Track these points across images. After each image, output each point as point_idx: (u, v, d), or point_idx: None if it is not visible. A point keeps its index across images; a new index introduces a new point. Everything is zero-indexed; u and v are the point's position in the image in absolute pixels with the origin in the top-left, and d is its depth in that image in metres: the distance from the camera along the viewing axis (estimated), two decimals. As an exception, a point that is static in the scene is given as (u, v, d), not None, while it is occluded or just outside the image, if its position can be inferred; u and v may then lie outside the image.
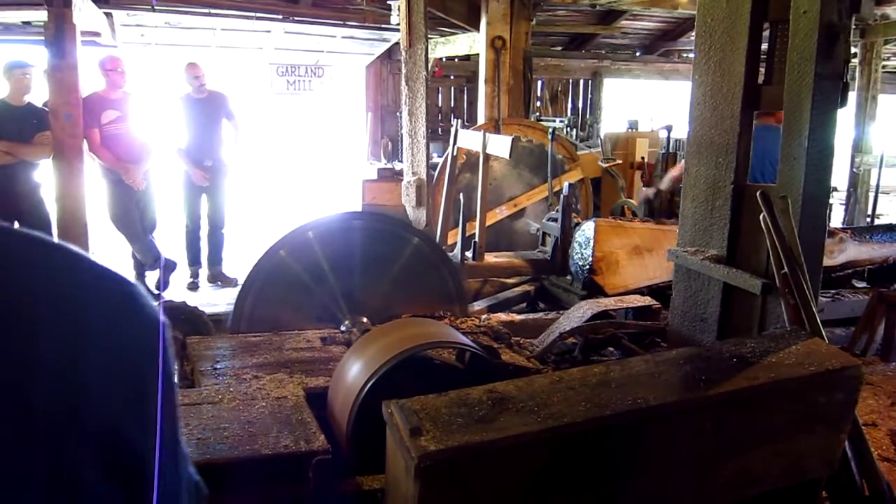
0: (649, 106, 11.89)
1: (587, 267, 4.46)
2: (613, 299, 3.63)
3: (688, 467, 2.08)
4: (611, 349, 3.40)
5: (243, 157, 6.92)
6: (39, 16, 6.33)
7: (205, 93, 6.14)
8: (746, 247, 2.88)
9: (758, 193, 2.61)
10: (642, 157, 6.77)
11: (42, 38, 5.73)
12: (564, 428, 1.91)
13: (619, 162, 7.06)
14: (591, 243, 4.45)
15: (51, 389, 0.51)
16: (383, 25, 7.51)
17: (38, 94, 5.55)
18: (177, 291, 5.90)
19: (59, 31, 5.28)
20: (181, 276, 6.28)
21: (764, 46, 2.91)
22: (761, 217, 2.59)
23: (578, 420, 1.94)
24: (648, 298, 3.61)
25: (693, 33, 8.91)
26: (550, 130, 5.90)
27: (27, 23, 7.33)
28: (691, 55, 11.06)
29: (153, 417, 0.59)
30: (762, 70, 2.93)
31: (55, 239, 0.58)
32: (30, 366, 0.51)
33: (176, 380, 0.62)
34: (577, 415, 1.95)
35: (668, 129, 5.58)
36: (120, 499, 0.55)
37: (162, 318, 0.61)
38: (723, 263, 2.91)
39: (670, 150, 5.55)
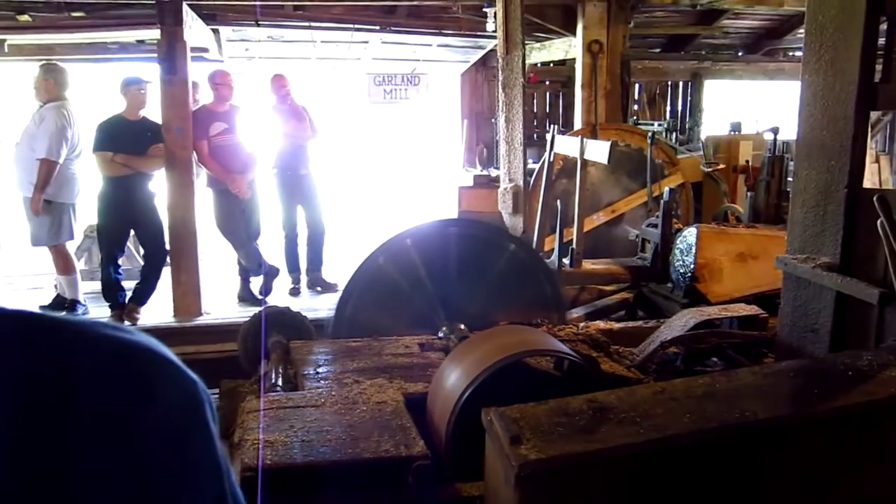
0: (752, 107, 11.47)
1: (689, 274, 4.34)
2: (717, 308, 3.52)
3: (798, 486, 1.99)
4: (714, 360, 3.29)
5: (336, 167, 7.08)
6: (152, 34, 6.68)
7: (291, 104, 6.32)
8: (862, 254, 2.73)
9: (875, 198, 2.47)
10: (746, 161, 6.54)
11: (155, 55, 6.06)
12: (668, 440, 1.86)
13: (722, 166, 6.84)
14: (694, 250, 4.33)
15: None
16: (478, 33, 7.53)
17: (152, 109, 5.86)
18: (279, 297, 6.09)
19: (170, 49, 5.56)
20: (283, 282, 6.48)
21: (880, 42, 2.76)
22: (879, 223, 2.45)
23: (682, 433, 1.88)
24: (754, 307, 3.48)
25: (800, 30, 8.54)
26: (650, 135, 5.78)
27: (141, 41, 7.73)
28: (798, 53, 10.62)
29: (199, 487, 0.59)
30: (878, 68, 2.78)
31: (74, 319, 0.58)
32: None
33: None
34: (681, 427, 1.90)
35: (775, 131, 5.37)
36: None
37: (199, 388, 0.60)
38: (835, 272, 2.78)
39: (776, 154, 5.34)
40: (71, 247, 6.10)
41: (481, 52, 8.81)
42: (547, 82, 9.80)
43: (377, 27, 7.51)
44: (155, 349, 0.58)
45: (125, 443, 0.53)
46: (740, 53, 11.16)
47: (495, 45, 8.35)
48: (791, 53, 11.22)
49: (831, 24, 2.83)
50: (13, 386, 0.50)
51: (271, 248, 6.58)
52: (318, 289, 6.48)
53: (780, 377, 2.14)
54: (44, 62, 6.12)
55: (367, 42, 8.12)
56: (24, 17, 6.65)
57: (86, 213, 6.12)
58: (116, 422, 0.53)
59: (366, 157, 13.38)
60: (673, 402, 2.01)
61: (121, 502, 0.51)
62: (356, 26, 7.36)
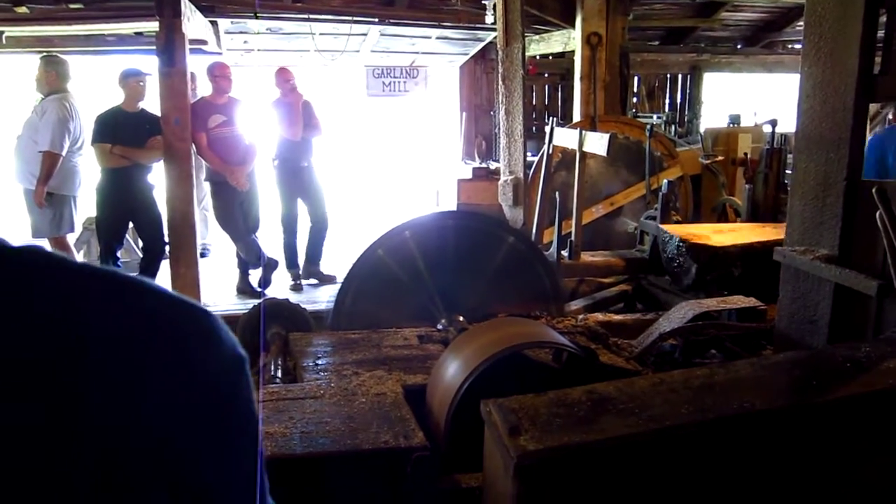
0: (751, 100, 11.45)
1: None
2: (716, 300, 3.52)
3: (797, 477, 2.00)
4: (713, 352, 3.30)
5: (335, 159, 7.08)
6: (150, 26, 6.65)
7: (296, 97, 6.31)
8: (860, 246, 2.74)
9: (874, 189, 2.48)
10: (745, 153, 6.52)
11: (153, 47, 6.04)
12: (666, 431, 1.87)
13: (721, 158, 6.84)
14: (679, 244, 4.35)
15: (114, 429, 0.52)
16: (478, 25, 7.51)
17: (151, 101, 5.85)
18: (279, 291, 6.09)
19: (169, 41, 5.54)
20: (283, 275, 6.48)
21: (880, 34, 2.76)
22: (877, 214, 2.46)
23: (681, 423, 1.89)
24: (753, 299, 3.48)
25: (799, 23, 8.52)
26: (648, 127, 5.77)
27: (139, 33, 7.70)
28: (797, 46, 10.60)
29: (234, 454, 0.59)
30: (878, 60, 2.78)
31: (130, 275, 0.58)
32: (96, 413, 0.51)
33: (259, 410, 0.62)
34: (680, 418, 1.90)
35: (773, 123, 5.36)
36: None
37: (242, 353, 0.60)
38: (834, 263, 2.78)
39: (775, 146, 5.33)
40: (70, 239, 6.10)
41: (480, 45, 8.79)
42: (546, 74, 9.79)
43: (376, 19, 7.50)
44: (205, 311, 0.58)
45: (159, 401, 0.53)
46: (739, 46, 11.14)
47: (494, 38, 8.34)
48: (790, 46, 11.20)
49: (831, 16, 2.83)
50: (56, 330, 0.49)
51: (270, 241, 6.58)
52: (315, 281, 6.48)
53: (779, 368, 2.15)
54: (45, 54, 6.11)
55: (365, 34, 8.10)
56: (22, 9, 6.63)
57: (85, 206, 6.12)
58: (156, 377, 0.53)
59: (365, 150, 13.37)
60: (671, 393, 2.01)
61: (147, 456, 0.51)
62: (355, 18, 7.34)
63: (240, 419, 0.59)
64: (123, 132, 5.59)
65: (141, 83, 5.72)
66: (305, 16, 7.24)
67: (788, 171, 5.12)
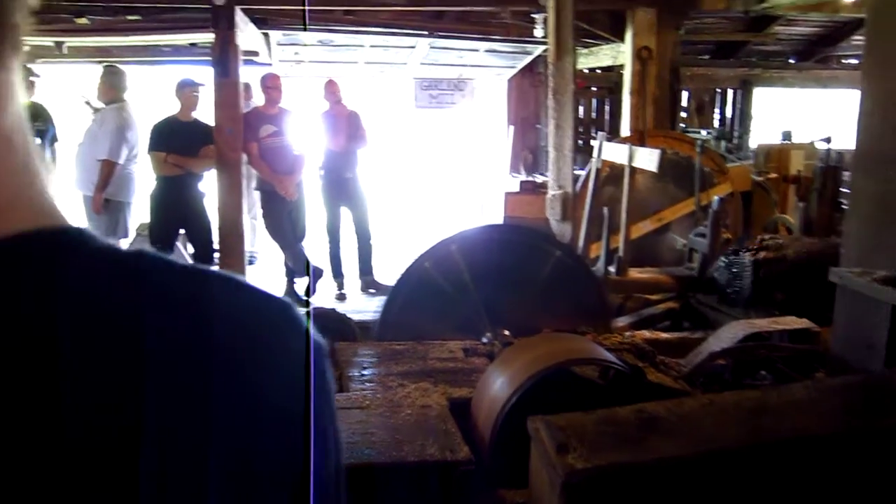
0: (803, 116, 11.24)
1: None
2: (768, 320, 3.45)
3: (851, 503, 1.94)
4: (763, 373, 3.23)
5: (380, 171, 7.12)
6: (205, 37, 6.80)
7: (343, 109, 6.38)
8: (921, 268, 2.66)
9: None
10: (799, 171, 6.40)
11: (207, 58, 6.17)
12: (717, 453, 1.84)
13: (774, 175, 6.71)
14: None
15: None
16: (526, 38, 7.51)
17: (204, 111, 5.97)
18: (325, 299, 6.14)
19: (223, 52, 5.67)
20: (329, 286, 6.53)
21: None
22: (940, 236, 2.39)
23: (733, 446, 1.86)
24: (806, 321, 3.40)
25: (855, 37, 8.28)
26: (699, 143, 5.70)
27: (193, 44, 7.88)
28: (852, 61, 10.36)
29: (332, 442, 0.60)
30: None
31: (225, 273, 0.59)
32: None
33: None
34: (732, 440, 1.87)
35: (828, 140, 5.25)
36: None
37: (322, 340, 0.61)
38: (893, 286, 2.71)
39: (830, 164, 5.22)
40: (123, 244, 6.24)
41: (528, 58, 8.78)
42: (593, 88, 9.73)
43: (425, 32, 7.54)
44: (290, 305, 0.59)
45: (244, 396, 0.53)
46: (792, 60, 10.94)
47: (543, 51, 8.36)
48: (845, 61, 10.97)
49: (893, 30, 2.76)
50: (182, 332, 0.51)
51: (316, 250, 6.64)
52: (372, 291, 6.52)
53: (835, 392, 2.10)
54: (106, 65, 6.28)
55: (414, 47, 8.16)
56: (83, 20, 6.82)
57: (139, 212, 6.27)
58: (269, 371, 0.54)
59: (412, 162, 13.44)
60: (723, 414, 1.98)
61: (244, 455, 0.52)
62: (405, 31, 7.40)
63: (332, 404, 0.61)
64: (177, 141, 5.72)
65: (195, 93, 5.84)
66: (356, 28, 7.32)
67: (844, 190, 5.02)
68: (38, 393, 0.45)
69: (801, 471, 1.90)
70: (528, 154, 9.44)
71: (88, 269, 0.50)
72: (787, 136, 7.95)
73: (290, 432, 0.55)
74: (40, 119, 6.27)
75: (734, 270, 4.44)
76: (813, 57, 10.84)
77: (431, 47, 8.18)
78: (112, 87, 5.84)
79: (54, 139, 6.58)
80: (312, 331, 0.58)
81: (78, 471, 0.45)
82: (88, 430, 0.45)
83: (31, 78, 5.95)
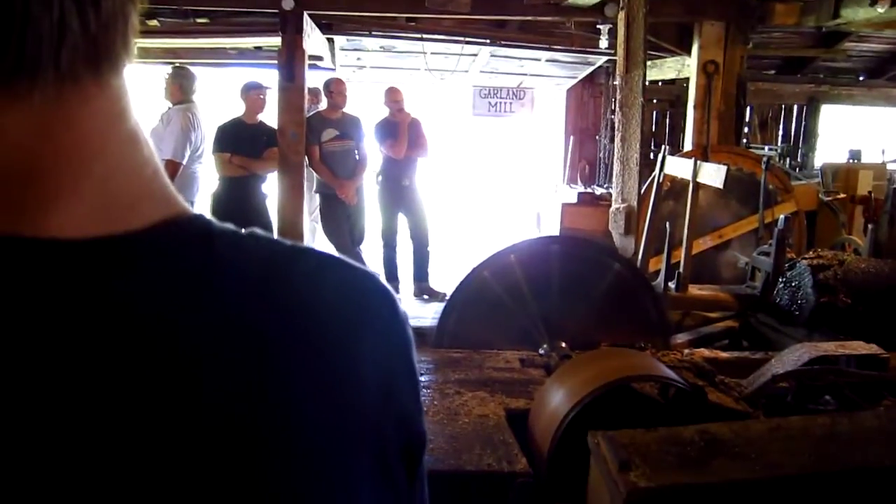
0: (871, 135, 10.93)
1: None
2: (834, 344, 3.35)
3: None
4: (827, 398, 3.14)
5: (436, 178, 7.13)
6: (271, 41, 6.93)
7: (405, 116, 6.42)
8: None
9: None
10: (869, 192, 6.22)
11: (272, 62, 6.28)
12: (784, 479, 1.80)
13: (842, 195, 6.54)
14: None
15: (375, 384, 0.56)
16: (589, 49, 7.47)
17: (269, 114, 6.08)
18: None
19: (290, 56, 5.76)
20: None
21: None
22: None
23: (800, 473, 1.81)
24: (875, 346, 3.29)
25: (934, 57, 7.93)
26: (765, 160, 5.58)
27: (258, 48, 8.03)
28: (927, 80, 10.02)
29: (422, 419, 0.63)
30: None
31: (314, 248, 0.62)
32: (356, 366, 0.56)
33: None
34: (799, 467, 1.83)
35: (902, 161, 5.09)
36: (404, 475, 0.60)
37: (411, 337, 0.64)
38: (970, 314, 2.61)
39: (902, 185, 5.06)
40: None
41: (590, 69, 8.73)
42: (655, 101, 9.63)
43: (488, 41, 7.56)
44: (379, 280, 0.62)
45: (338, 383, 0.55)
46: (861, 78, 10.65)
47: (605, 62, 8.30)
48: (919, 80, 10.64)
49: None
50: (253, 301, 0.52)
51: (372, 255, 6.70)
52: (426, 297, 6.55)
53: (909, 423, 2.03)
54: (174, 65, 6.43)
55: (476, 55, 8.18)
56: (153, 22, 7.02)
57: (201, 211, 6.40)
58: (332, 356, 0.56)
59: (469, 170, 13.47)
60: (790, 440, 1.93)
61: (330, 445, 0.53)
62: (467, 39, 7.42)
63: (417, 373, 0.63)
64: (242, 143, 5.83)
65: (261, 96, 5.96)
66: (418, 35, 7.37)
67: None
68: (199, 376, 0.48)
69: (869, 502, 1.84)
70: (586, 165, 9.37)
71: (223, 253, 0.53)
72: (855, 155, 7.74)
73: (396, 399, 0.58)
74: None
75: (793, 284, 4.34)
76: (884, 75, 10.53)
77: (492, 55, 8.19)
78: (180, 89, 5.98)
79: None
80: (400, 312, 0.62)
81: (211, 447, 0.47)
82: (222, 412, 0.48)
83: None
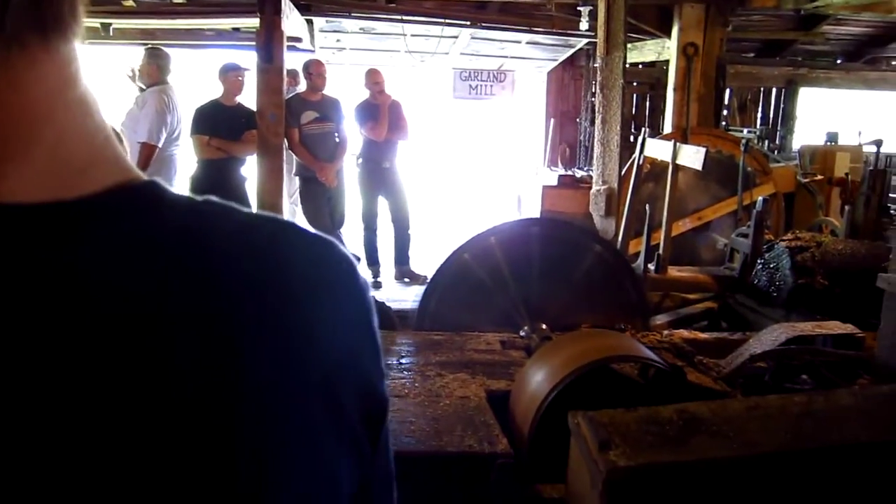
0: (848, 118, 11.02)
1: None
2: (811, 324, 3.39)
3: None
4: (804, 377, 3.18)
5: (417, 161, 7.11)
6: (249, 22, 6.84)
7: (385, 98, 6.38)
8: (975, 277, 2.60)
9: None
10: (846, 173, 6.28)
11: (250, 43, 6.21)
12: (762, 457, 1.82)
13: (820, 177, 6.60)
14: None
15: (328, 349, 0.56)
16: (570, 32, 7.45)
17: (247, 96, 6.01)
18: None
19: (268, 37, 5.68)
20: (364, 274, 6.56)
21: None
22: None
23: (778, 450, 1.83)
24: (851, 326, 3.34)
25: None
26: (744, 142, 5.62)
27: (236, 29, 7.93)
28: (904, 63, 10.10)
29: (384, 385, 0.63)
30: None
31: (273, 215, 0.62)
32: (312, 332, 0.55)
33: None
34: (777, 445, 1.84)
35: (878, 143, 5.14)
36: (367, 439, 0.59)
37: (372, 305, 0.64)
38: (944, 294, 2.65)
39: (878, 167, 5.11)
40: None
41: (570, 51, 8.72)
42: (635, 84, 9.64)
43: (468, 23, 7.52)
44: (339, 248, 0.62)
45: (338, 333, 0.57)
46: (839, 61, 10.72)
47: (585, 45, 8.29)
48: (895, 62, 10.72)
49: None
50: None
51: (352, 238, 6.68)
52: (407, 280, 6.55)
53: (885, 400, 2.06)
54: (149, 47, 6.33)
55: (456, 37, 8.14)
56: (129, 3, 6.90)
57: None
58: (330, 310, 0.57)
59: (449, 152, 13.45)
60: (768, 418, 1.95)
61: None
62: (447, 21, 7.38)
63: (378, 339, 0.63)
64: (221, 125, 5.77)
65: (240, 78, 5.89)
66: (398, 17, 7.32)
67: (893, 195, 4.92)
68: (151, 342, 0.47)
69: (845, 479, 1.87)
70: (566, 148, 9.38)
71: (176, 218, 0.53)
72: (832, 137, 7.80)
73: (356, 364, 0.59)
74: None
75: (771, 266, 4.38)
76: (861, 58, 10.62)
77: (473, 38, 8.16)
78: (155, 70, 5.89)
79: None
80: (358, 279, 0.63)
81: (181, 409, 0.47)
82: (192, 377, 0.48)
83: None
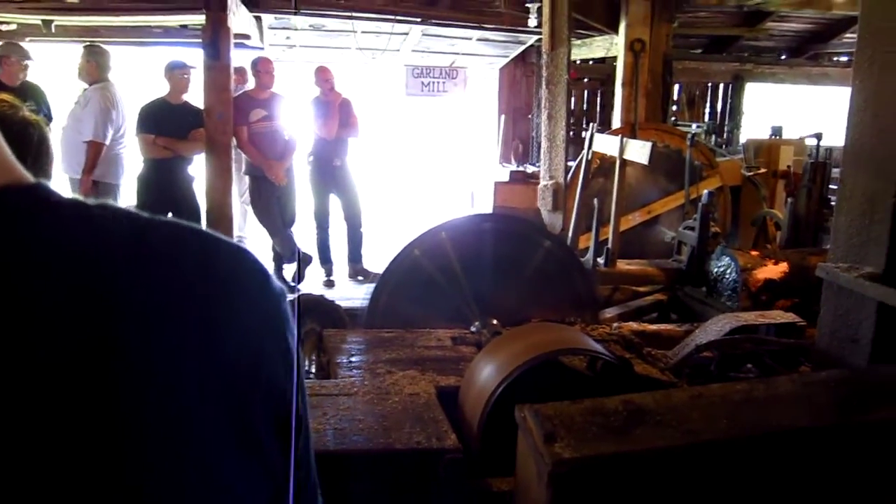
0: (793, 112, 11.28)
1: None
2: (755, 314, 3.46)
3: (837, 497, 1.96)
4: (749, 366, 3.24)
5: (368, 158, 7.08)
6: (195, 19, 6.73)
7: (335, 96, 6.34)
8: (908, 265, 2.68)
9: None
10: (788, 166, 6.42)
11: (198, 40, 6.10)
12: (704, 445, 1.85)
13: (764, 171, 6.74)
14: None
15: (240, 351, 0.56)
16: (520, 28, 7.48)
17: (194, 94, 5.91)
18: (312, 287, 6.12)
19: (215, 34, 5.60)
20: (317, 273, 6.52)
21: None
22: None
23: (719, 438, 1.87)
24: (792, 315, 3.42)
25: (847, 35, 8.32)
26: (690, 136, 5.71)
27: (184, 26, 7.80)
28: (843, 59, 10.37)
29: (301, 391, 0.63)
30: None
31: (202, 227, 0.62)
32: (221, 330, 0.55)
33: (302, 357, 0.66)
34: (718, 432, 1.88)
35: (818, 136, 5.27)
36: (278, 450, 0.59)
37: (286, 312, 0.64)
38: (879, 282, 2.72)
39: (819, 160, 5.24)
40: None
41: (521, 48, 8.76)
42: (586, 80, 9.73)
43: (418, 19, 7.51)
44: (250, 255, 0.61)
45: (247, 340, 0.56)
46: (783, 56, 10.97)
47: (536, 41, 8.34)
48: (836, 58, 11.00)
49: (886, 29, 2.77)
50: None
51: (304, 237, 6.62)
52: (360, 278, 6.52)
53: (821, 386, 2.11)
54: (87, 44, 6.19)
55: (407, 34, 8.12)
56: (72, -1, 6.74)
57: (127, 195, 6.21)
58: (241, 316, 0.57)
59: (402, 150, 13.41)
60: (711, 406, 1.99)
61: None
62: (397, 17, 7.36)
63: (293, 351, 0.63)
64: (167, 124, 5.67)
65: (186, 75, 5.79)
66: (348, 13, 7.27)
67: (832, 186, 5.03)
68: (17, 322, 0.47)
69: (786, 463, 1.91)
70: (519, 144, 9.43)
71: (63, 220, 0.52)
72: (776, 131, 7.97)
73: (264, 373, 0.58)
74: (33, 98, 6.18)
75: (719, 270, 4.46)
76: (804, 54, 10.87)
77: (424, 34, 8.14)
78: (94, 67, 5.76)
79: (48, 119, 6.50)
80: (271, 286, 0.62)
81: (53, 382, 0.47)
82: (60, 351, 0.47)
83: (26, 62, 5.83)
